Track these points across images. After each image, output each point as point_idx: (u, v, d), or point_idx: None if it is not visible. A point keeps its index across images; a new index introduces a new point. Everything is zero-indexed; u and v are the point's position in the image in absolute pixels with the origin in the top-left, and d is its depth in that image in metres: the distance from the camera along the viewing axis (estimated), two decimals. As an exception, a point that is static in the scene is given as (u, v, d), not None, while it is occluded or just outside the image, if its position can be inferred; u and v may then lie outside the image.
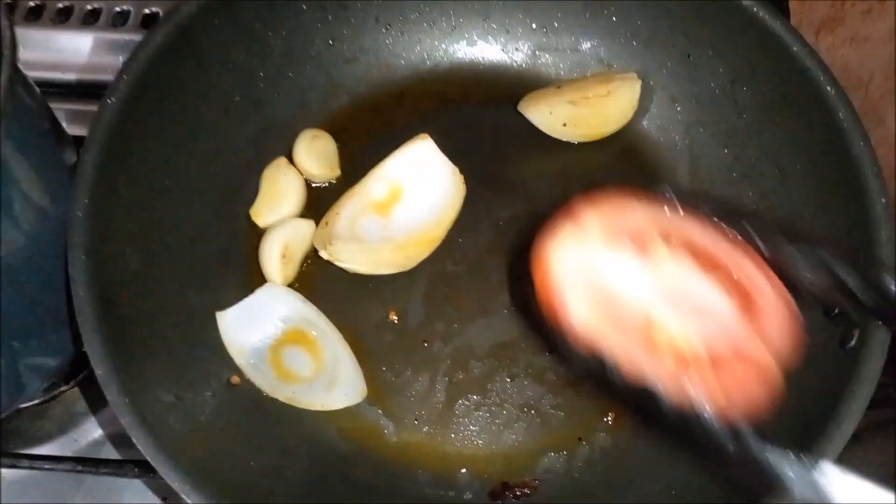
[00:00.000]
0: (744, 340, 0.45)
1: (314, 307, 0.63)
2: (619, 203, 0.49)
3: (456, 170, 0.68)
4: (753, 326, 0.46)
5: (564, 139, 0.72)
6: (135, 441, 0.49)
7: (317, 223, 0.67)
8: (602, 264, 0.47)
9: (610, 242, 0.48)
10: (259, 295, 0.63)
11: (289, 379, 0.61)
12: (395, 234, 0.65)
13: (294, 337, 0.62)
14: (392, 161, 0.67)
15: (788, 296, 0.47)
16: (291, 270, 0.65)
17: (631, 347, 0.45)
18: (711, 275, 0.47)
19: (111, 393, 0.49)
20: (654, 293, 0.47)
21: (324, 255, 0.64)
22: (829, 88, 0.61)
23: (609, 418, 0.63)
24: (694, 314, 0.46)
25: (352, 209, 0.66)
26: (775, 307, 0.46)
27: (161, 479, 0.49)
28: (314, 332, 0.62)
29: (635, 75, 0.71)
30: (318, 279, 0.66)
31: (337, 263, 0.64)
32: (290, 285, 0.65)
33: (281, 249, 0.64)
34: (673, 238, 0.48)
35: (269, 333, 0.62)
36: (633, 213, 0.49)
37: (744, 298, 0.46)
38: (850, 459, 0.62)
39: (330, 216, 0.66)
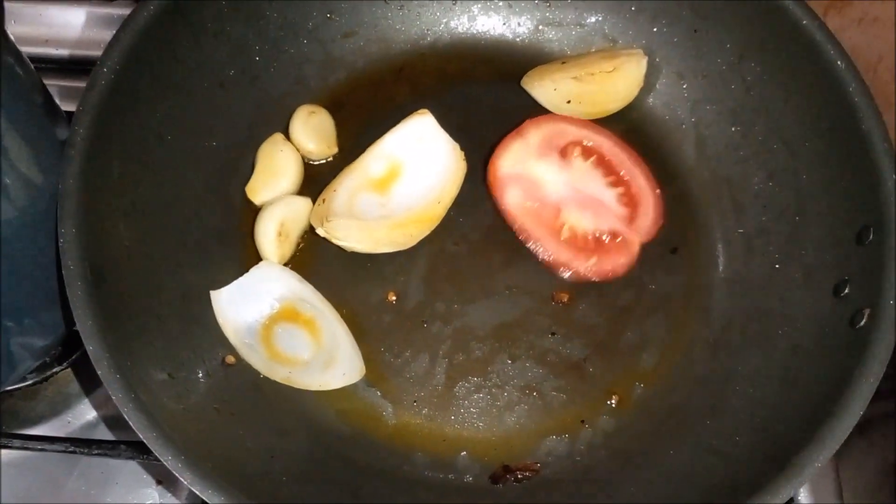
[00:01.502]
0: (620, 224, 0.66)
1: (310, 286, 0.62)
2: (553, 123, 0.69)
3: (457, 146, 0.66)
4: (630, 213, 0.67)
5: (568, 115, 0.71)
6: (126, 417, 0.47)
7: (314, 200, 0.65)
8: (534, 166, 0.67)
9: (542, 151, 0.68)
10: (254, 273, 0.61)
11: (283, 359, 0.60)
12: (393, 212, 0.64)
13: (288, 314, 0.61)
14: (391, 137, 0.66)
15: (658, 194, 0.68)
16: (288, 248, 0.64)
17: (542, 230, 0.66)
18: (610, 178, 0.68)
19: (102, 369, 0.48)
20: (566, 192, 0.67)
21: (321, 232, 0.62)
22: (839, 63, 0.60)
23: (612, 401, 0.61)
24: (591, 207, 0.67)
25: (350, 186, 0.64)
26: (648, 200, 0.67)
27: (155, 460, 0.48)
28: (311, 312, 0.61)
29: (641, 51, 0.69)
30: (314, 258, 0.65)
31: (334, 241, 0.63)
32: (286, 264, 0.64)
33: (277, 227, 0.63)
34: (589, 151, 0.68)
35: (264, 313, 0.61)
36: (563, 132, 0.69)
37: (629, 195, 0.67)
38: (852, 451, 0.62)
39: (327, 193, 0.64)
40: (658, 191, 0.67)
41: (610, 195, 0.67)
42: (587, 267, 0.64)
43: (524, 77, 0.71)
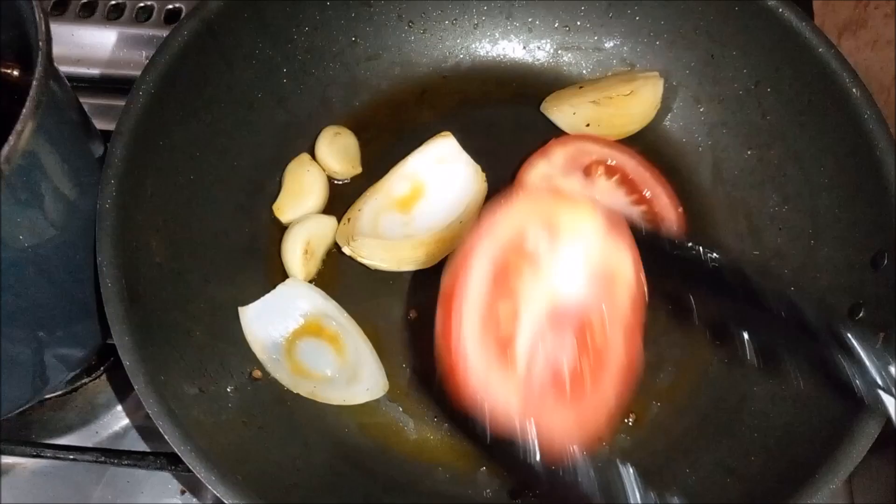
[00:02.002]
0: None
1: (335, 303, 0.64)
2: (578, 143, 0.69)
3: (478, 168, 0.68)
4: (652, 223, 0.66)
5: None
6: (161, 430, 0.49)
7: (339, 219, 0.67)
8: (558, 184, 0.67)
9: (567, 170, 0.68)
10: (280, 290, 0.63)
11: (306, 374, 0.62)
12: (416, 231, 0.65)
13: (312, 330, 0.62)
14: (414, 158, 0.68)
15: (681, 213, 0.68)
16: (313, 266, 0.65)
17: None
18: (633, 197, 0.68)
19: (139, 383, 0.50)
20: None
21: (346, 251, 0.64)
22: (854, 90, 0.61)
23: (630, 420, 0.63)
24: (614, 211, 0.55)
25: (374, 206, 0.66)
26: (670, 219, 0.67)
27: (181, 471, 0.50)
28: (335, 328, 0.63)
29: (658, 74, 0.71)
30: (339, 275, 0.66)
31: (359, 260, 0.64)
32: (312, 281, 0.66)
33: (303, 245, 0.64)
34: (612, 170, 0.68)
35: (289, 328, 0.62)
36: (587, 151, 0.69)
37: (651, 213, 0.67)
38: (866, 468, 0.62)
39: (352, 212, 0.66)
40: (680, 209, 0.68)
41: (633, 213, 0.67)
42: None
43: (543, 102, 0.73)
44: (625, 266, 0.50)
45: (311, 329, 0.63)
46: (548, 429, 0.47)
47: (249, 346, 0.61)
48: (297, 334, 0.62)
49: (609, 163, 0.69)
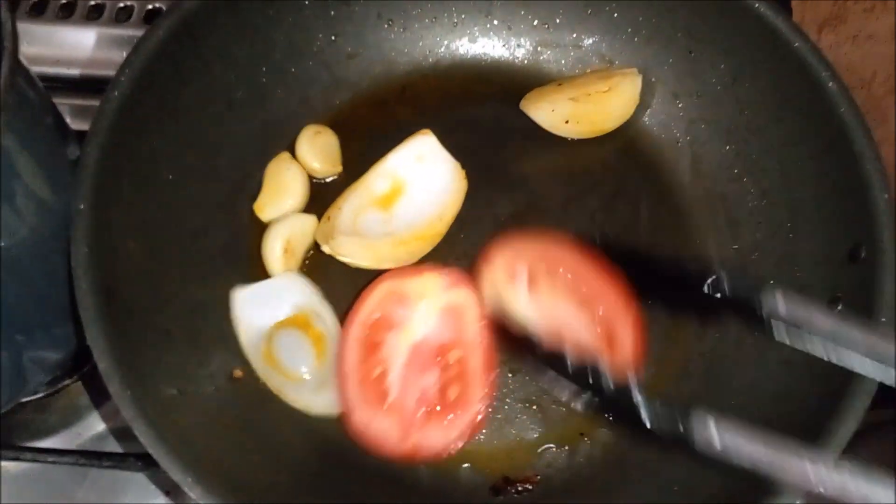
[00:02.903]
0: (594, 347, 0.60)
1: (330, 307, 0.64)
2: (520, 246, 0.64)
3: (457, 165, 0.68)
4: (604, 335, 0.61)
5: (566, 136, 0.72)
6: (137, 434, 0.49)
7: (319, 218, 0.67)
8: (504, 290, 0.62)
9: (508, 275, 0.63)
10: (279, 280, 0.63)
11: (279, 368, 0.61)
12: (396, 229, 0.65)
13: (300, 322, 0.62)
14: (394, 156, 0.68)
15: (636, 314, 0.61)
16: (294, 265, 0.65)
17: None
18: (580, 299, 0.62)
19: (114, 386, 0.49)
20: (537, 314, 0.61)
21: (326, 249, 0.64)
22: (830, 84, 0.61)
23: (610, 414, 0.63)
24: (562, 329, 0.60)
25: (354, 204, 0.66)
26: (622, 322, 0.61)
27: (163, 472, 0.49)
28: (322, 328, 0.62)
29: (636, 71, 0.71)
30: (320, 274, 0.66)
31: (339, 258, 0.64)
32: (294, 280, 0.65)
33: (283, 244, 0.64)
34: (557, 271, 0.63)
35: (277, 317, 0.62)
36: (530, 254, 0.63)
37: (600, 317, 0.61)
38: (854, 456, 0.63)
39: (332, 211, 0.66)
40: (635, 311, 0.61)
41: (584, 317, 0.61)
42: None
43: (522, 100, 0.73)
44: (469, 303, 0.62)
45: (299, 322, 0.63)
46: (427, 443, 0.58)
47: (230, 341, 0.61)
48: (283, 325, 0.62)
49: (552, 264, 0.63)
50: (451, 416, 0.59)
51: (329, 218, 0.65)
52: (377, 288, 0.62)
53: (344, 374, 0.59)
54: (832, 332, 0.51)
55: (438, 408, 0.59)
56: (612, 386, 0.54)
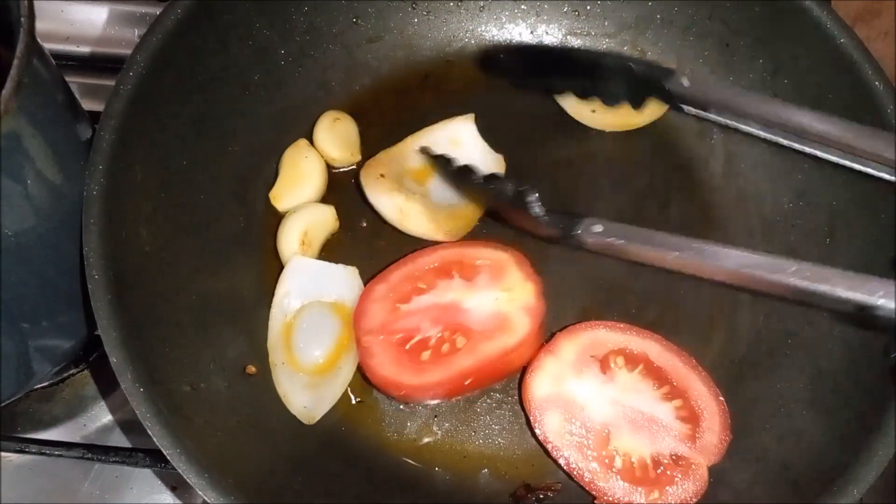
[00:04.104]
0: (682, 445, 0.57)
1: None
2: (589, 332, 0.60)
3: (497, 156, 0.66)
4: (692, 430, 0.57)
5: (593, 126, 0.70)
6: (150, 433, 0.47)
7: (337, 210, 0.64)
8: (572, 386, 0.58)
9: (580, 367, 0.59)
10: (338, 268, 0.62)
11: (288, 345, 0.59)
12: (437, 204, 0.64)
13: (336, 307, 0.61)
14: (428, 135, 0.66)
15: (722, 402, 0.58)
16: (311, 256, 0.63)
17: (591, 462, 0.56)
18: (663, 390, 0.58)
19: (126, 381, 0.47)
20: (613, 412, 0.58)
21: (392, 205, 0.63)
22: (877, 84, 0.59)
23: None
24: (645, 427, 0.57)
25: (395, 170, 0.64)
26: (711, 412, 0.57)
27: (171, 469, 0.47)
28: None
29: (675, 69, 0.68)
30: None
31: (397, 213, 0.63)
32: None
33: (300, 236, 0.62)
34: (633, 360, 0.59)
35: (315, 297, 0.61)
36: (601, 341, 0.60)
37: (687, 408, 0.58)
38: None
39: (381, 168, 0.65)
40: (721, 398, 0.58)
41: (665, 410, 0.58)
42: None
43: None
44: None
45: (338, 308, 0.61)
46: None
47: (277, 287, 0.61)
48: (321, 305, 0.60)
49: (629, 351, 0.60)
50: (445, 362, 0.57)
51: (383, 175, 0.64)
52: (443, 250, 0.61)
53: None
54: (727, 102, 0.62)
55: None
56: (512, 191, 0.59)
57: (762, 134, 0.63)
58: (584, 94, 0.69)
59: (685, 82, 0.63)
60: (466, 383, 0.58)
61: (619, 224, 0.58)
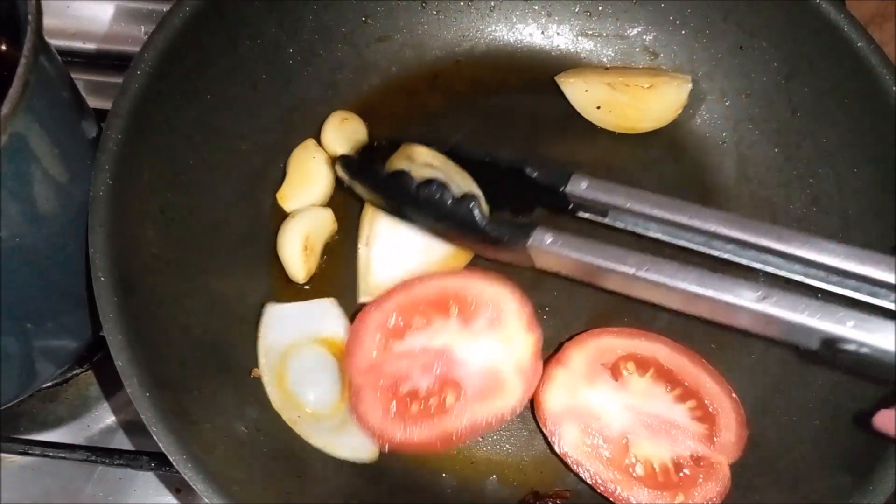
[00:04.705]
0: (700, 445, 0.56)
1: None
2: (596, 339, 0.59)
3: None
4: (709, 429, 0.56)
5: (599, 125, 0.69)
6: (156, 438, 0.46)
7: (342, 209, 0.64)
8: (586, 395, 0.57)
9: (591, 376, 0.58)
10: (316, 304, 0.60)
11: (289, 395, 0.57)
12: None
13: (326, 343, 0.59)
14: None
15: (736, 399, 0.57)
16: (314, 262, 0.62)
17: (611, 471, 0.55)
18: (676, 392, 0.57)
19: (132, 386, 0.47)
20: (629, 418, 0.57)
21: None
22: (894, 89, 0.58)
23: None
24: (662, 431, 0.56)
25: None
26: (727, 411, 0.57)
27: (175, 472, 0.47)
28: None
29: (688, 78, 0.67)
30: (336, 271, 0.63)
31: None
32: (312, 278, 0.62)
33: (302, 241, 0.61)
34: (644, 364, 0.58)
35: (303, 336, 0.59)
36: (609, 348, 0.59)
37: (702, 408, 0.57)
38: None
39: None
40: (734, 395, 0.57)
41: (680, 412, 0.57)
42: None
43: (560, 73, 0.69)
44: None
45: (323, 342, 0.59)
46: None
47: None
48: (309, 343, 0.58)
49: (639, 356, 0.59)
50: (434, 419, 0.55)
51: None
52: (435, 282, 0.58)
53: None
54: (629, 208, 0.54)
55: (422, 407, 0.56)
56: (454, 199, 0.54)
57: (669, 240, 0.55)
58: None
59: (583, 185, 0.56)
60: (453, 440, 0.56)
61: (572, 235, 0.52)
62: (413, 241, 0.61)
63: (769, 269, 0.52)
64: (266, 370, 0.58)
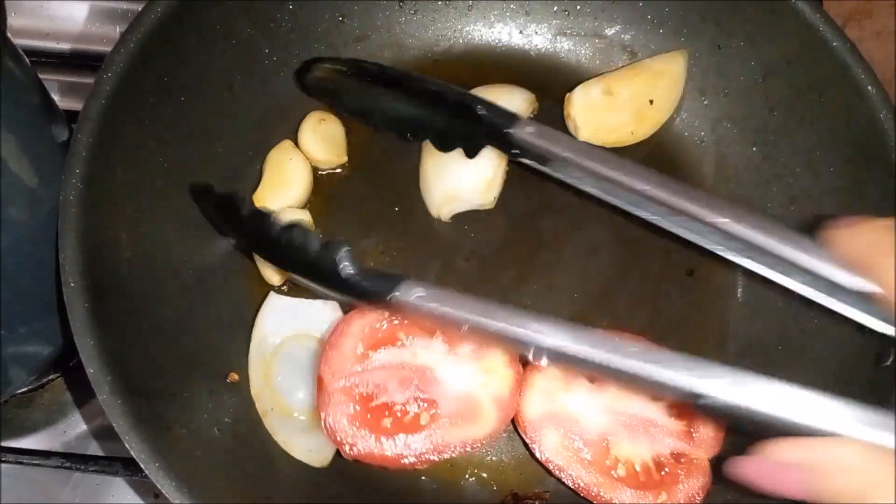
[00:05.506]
0: (680, 442, 0.56)
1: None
2: None
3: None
4: (687, 425, 0.56)
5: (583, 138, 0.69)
6: (127, 445, 0.46)
7: (321, 212, 0.63)
8: (563, 399, 0.57)
9: (567, 381, 0.57)
10: (318, 303, 0.60)
11: (271, 388, 0.57)
12: None
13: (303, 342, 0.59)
14: None
15: None
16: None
17: (593, 475, 0.55)
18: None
19: (103, 393, 0.46)
20: (607, 419, 0.56)
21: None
22: (869, 88, 0.58)
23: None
24: (641, 430, 0.56)
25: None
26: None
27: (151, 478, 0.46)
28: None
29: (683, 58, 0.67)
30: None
31: None
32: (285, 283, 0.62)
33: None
34: None
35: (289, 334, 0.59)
36: None
37: (678, 405, 0.56)
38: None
39: None
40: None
41: (657, 410, 0.57)
42: None
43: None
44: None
45: (319, 342, 0.58)
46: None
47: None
48: (294, 341, 0.58)
49: None
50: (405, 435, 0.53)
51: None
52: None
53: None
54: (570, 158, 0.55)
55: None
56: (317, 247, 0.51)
57: (602, 196, 0.56)
58: (413, 128, 0.63)
59: (529, 129, 0.56)
60: (419, 459, 0.53)
61: (441, 289, 0.50)
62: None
63: (693, 237, 0.53)
64: (255, 356, 0.58)
